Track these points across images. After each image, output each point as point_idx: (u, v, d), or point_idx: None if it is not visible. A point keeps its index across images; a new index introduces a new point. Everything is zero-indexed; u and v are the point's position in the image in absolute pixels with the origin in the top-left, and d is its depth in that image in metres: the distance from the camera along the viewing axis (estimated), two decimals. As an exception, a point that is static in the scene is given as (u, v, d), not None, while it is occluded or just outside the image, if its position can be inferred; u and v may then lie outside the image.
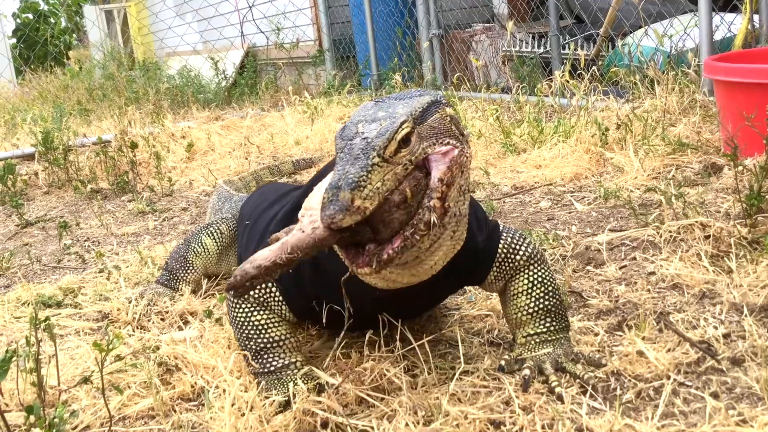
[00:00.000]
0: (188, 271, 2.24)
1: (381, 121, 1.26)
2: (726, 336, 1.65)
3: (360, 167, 1.19)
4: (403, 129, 1.24)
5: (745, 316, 1.71)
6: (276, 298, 1.56)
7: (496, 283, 1.62)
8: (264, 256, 1.22)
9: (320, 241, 1.20)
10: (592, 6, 5.38)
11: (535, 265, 1.60)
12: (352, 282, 1.42)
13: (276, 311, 1.57)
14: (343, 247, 1.25)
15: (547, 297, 1.59)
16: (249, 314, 1.56)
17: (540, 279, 1.59)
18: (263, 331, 1.56)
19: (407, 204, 1.23)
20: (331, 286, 1.47)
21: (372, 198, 1.18)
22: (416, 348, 1.59)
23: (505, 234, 1.60)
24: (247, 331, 1.57)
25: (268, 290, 1.55)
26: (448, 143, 1.30)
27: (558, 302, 1.61)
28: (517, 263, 1.59)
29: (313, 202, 1.31)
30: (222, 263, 2.24)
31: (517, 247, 1.59)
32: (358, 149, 1.22)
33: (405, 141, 1.24)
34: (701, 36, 3.84)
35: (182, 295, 2.21)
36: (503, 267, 1.59)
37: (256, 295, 1.55)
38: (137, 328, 2.09)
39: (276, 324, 1.57)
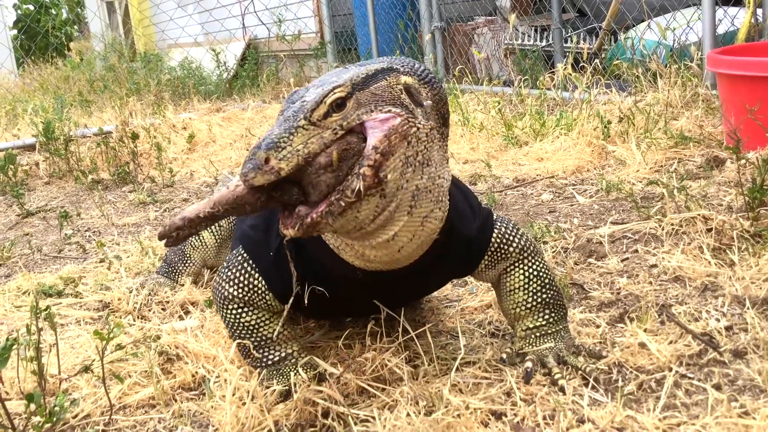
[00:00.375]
0: (187, 264, 2.23)
1: (325, 85, 1.25)
2: (728, 328, 1.64)
3: (284, 129, 1.20)
4: (334, 93, 1.22)
5: (748, 308, 1.71)
6: (260, 291, 1.52)
7: (486, 272, 1.59)
8: (191, 209, 1.25)
9: (239, 198, 1.21)
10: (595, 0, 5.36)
11: (530, 257, 1.58)
12: (335, 262, 1.41)
13: (263, 307, 1.53)
14: (280, 209, 1.25)
15: (544, 290, 1.58)
16: (238, 316, 1.53)
17: (535, 272, 1.57)
18: (255, 331, 1.54)
19: (336, 169, 1.22)
20: (312, 268, 1.46)
21: (288, 159, 1.17)
22: (417, 338, 1.59)
23: (499, 224, 1.57)
24: (239, 332, 1.55)
25: (251, 285, 1.51)
26: (389, 111, 1.26)
27: (555, 293, 1.60)
28: (509, 254, 1.57)
29: None
30: (221, 255, 2.22)
31: (511, 238, 1.56)
32: (291, 112, 1.22)
33: (339, 105, 1.22)
34: (704, 29, 3.83)
35: (182, 285, 2.21)
36: (495, 257, 1.56)
37: (240, 295, 1.52)
38: (138, 317, 2.08)
39: (266, 321, 1.54)
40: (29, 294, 2.31)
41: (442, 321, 1.86)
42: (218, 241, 2.19)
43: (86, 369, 1.60)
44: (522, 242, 1.57)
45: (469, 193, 1.60)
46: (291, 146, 1.18)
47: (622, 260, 2.15)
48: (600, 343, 1.66)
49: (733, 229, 2.12)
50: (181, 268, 2.23)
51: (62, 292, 2.34)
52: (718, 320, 1.68)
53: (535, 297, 1.57)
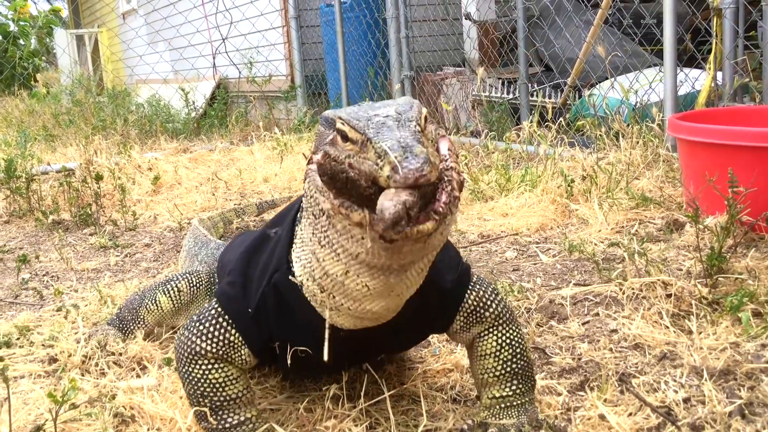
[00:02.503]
0: (138, 325, 2.17)
1: (390, 107, 1.21)
2: (686, 401, 1.66)
3: (409, 133, 1.13)
4: (423, 109, 1.23)
5: (705, 380, 1.73)
6: (236, 346, 1.49)
7: (461, 333, 1.58)
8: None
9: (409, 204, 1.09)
10: (561, 56, 5.50)
11: (504, 325, 1.57)
12: (313, 325, 1.40)
13: (236, 363, 1.51)
14: (373, 219, 1.13)
15: (514, 360, 1.57)
16: (207, 372, 1.50)
17: (508, 341, 1.57)
18: (221, 389, 1.51)
19: None
20: (296, 327, 1.45)
21: (433, 161, 1.10)
22: (378, 404, 1.58)
23: (479, 286, 1.56)
24: (202, 389, 1.51)
25: (226, 340, 1.49)
26: (440, 133, 1.27)
27: (526, 364, 1.59)
28: (485, 319, 1.56)
29: None
30: (180, 318, 2.15)
31: (488, 302, 1.56)
32: (390, 121, 1.15)
33: (425, 120, 1.22)
34: (666, 92, 3.94)
35: (134, 338, 2.16)
36: (471, 319, 1.55)
37: (213, 350, 1.49)
38: (87, 372, 2.04)
39: (234, 381, 1.52)
40: (-19, 344, 2.25)
41: (404, 385, 1.85)
42: (176, 306, 2.11)
43: (38, 429, 1.56)
44: (499, 308, 1.57)
45: (448, 244, 1.58)
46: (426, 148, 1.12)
47: (584, 323, 2.17)
48: (561, 413, 1.66)
49: (691, 296, 2.16)
50: (132, 327, 2.18)
51: (10, 342, 2.27)
52: (676, 392, 1.70)
53: (504, 365, 1.56)
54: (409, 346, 1.81)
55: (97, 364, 2.06)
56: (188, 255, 2.57)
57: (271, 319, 1.48)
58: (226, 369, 1.51)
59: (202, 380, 1.51)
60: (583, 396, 1.73)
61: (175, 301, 2.10)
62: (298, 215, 1.43)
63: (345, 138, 1.19)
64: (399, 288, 1.30)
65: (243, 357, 1.51)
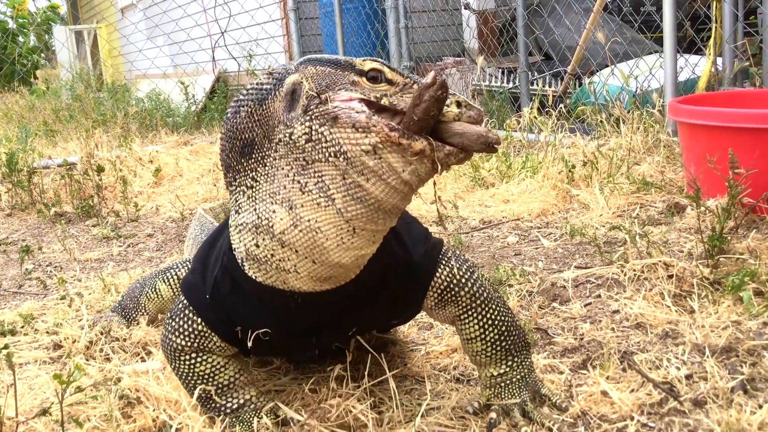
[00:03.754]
0: (139, 313, 2.18)
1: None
2: (688, 377, 1.67)
3: None
4: None
5: (707, 357, 1.74)
6: (205, 335, 1.49)
7: (436, 311, 1.54)
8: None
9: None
10: (560, 44, 5.49)
11: (483, 305, 1.52)
12: (271, 295, 1.38)
13: (215, 351, 1.51)
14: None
15: (502, 338, 1.54)
16: (192, 366, 1.51)
17: (491, 321, 1.53)
18: (211, 379, 1.52)
19: None
20: (250, 307, 1.44)
21: None
22: (382, 384, 1.59)
23: (453, 262, 1.51)
24: (193, 381, 1.52)
25: (196, 332, 1.49)
26: None
27: (516, 338, 1.56)
28: (460, 299, 1.51)
29: None
30: None
31: (463, 281, 1.51)
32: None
33: None
34: (666, 77, 3.94)
35: (138, 324, 2.18)
36: (445, 297, 1.51)
37: (189, 343, 1.49)
38: (92, 357, 2.05)
39: (222, 368, 1.52)
40: (-13, 332, 2.26)
41: (407, 365, 1.86)
42: (176, 293, 2.09)
43: (44, 412, 1.57)
44: (474, 288, 1.51)
45: (413, 220, 1.59)
46: None
47: (585, 305, 2.18)
48: (564, 390, 1.67)
49: (693, 276, 2.16)
50: (133, 315, 2.19)
51: (15, 330, 2.28)
52: (678, 368, 1.71)
53: (494, 346, 1.54)
54: (385, 323, 1.72)
55: (101, 350, 2.07)
56: (194, 242, 2.57)
57: (226, 302, 1.46)
58: (209, 359, 1.52)
59: (190, 373, 1.52)
60: (585, 374, 1.74)
61: (174, 289, 2.10)
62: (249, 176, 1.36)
63: (376, 80, 1.25)
64: (378, 236, 1.31)
65: (217, 344, 1.50)
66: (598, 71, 4.90)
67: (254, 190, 1.31)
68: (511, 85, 5.55)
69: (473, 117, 1.23)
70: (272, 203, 1.28)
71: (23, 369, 2.00)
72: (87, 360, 2.03)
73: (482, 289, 1.53)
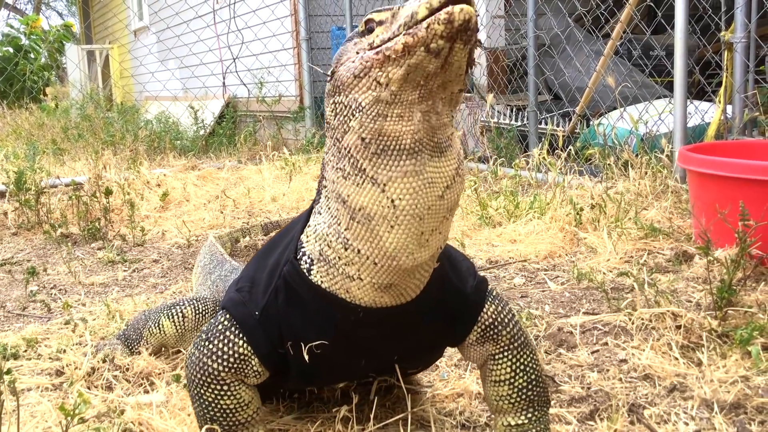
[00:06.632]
0: (142, 345, 2.17)
1: None
2: (697, 433, 1.66)
3: None
4: None
5: (716, 413, 1.72)
6: (245, 358, 1.44)
7: (475, 347, 1.54)
8: None
9: None
10: (570, 85, 5.53)
11: (519, 348, 1.53)
12: (327, 313, 1.36)
13: (250, 379, 1.46)
14: None
15: (530, 387, 1.54)
16: (218, 397, 1.46)
17: (523, 366, 1.53)
18: (231, 415, 1.48)
19: None
20: (308, 318, 1.41)
21: None
22: (387, 427, 1.57)
23: (498, 301, 1.53)
24: (212, 414, 1.48)
25: (236, 354, 1.44)
26: None
27: (541, 390, 1.56)
28: (501, 338, 1.52)
29: None
30: (184, 343, 2.12)
31: (506, 321, 1.52)
32: None
33: None
34: (675, 123, 3.96)
35: (139, 353, 2.16)
36: (487, 333, 1.52)
37: (226, 369, 1.44)
38: (92, 385, 2.03)
39: (245, 406, 1.48)
40: (-11, 355, 2.25)
41: (413, 408, 1.84)
42: (180, 332, 2.08)
43: (46, 443, 1.55)
44: (515, 330, 1.53)
45: (463, 257, 1.58)
46: None
47: (593, 352, 2.17)
48: (571, 442, 1.66)
49: (701, 328, 2.15)
50: (136, 348, 2.18)
51: (21, 354, 2.27)
52: (686, 424, 1.69)
53: (520, 393, 1.53)
54: (426, 356, 1.69)
55: (103, 377, 2.06)
56: (203, 272, 2.57)
57: (281, 316, 1.43)
58: (237, 394, 1.47)
59: (213, 405, 1.47)
60: (593, 425, 1.73)
61: (178, 327, 2.08)
62: (314, 205, 1.40)
63: (372, 31, 1.24)
64: (427, 233, 1.26)
65: (254, 368, 1.45)
66: (606, 113, 4.93)
67: (326, 188, 1.34)
68: (519, 123, 5.58)
69: None
70: (335, 200, 1.29)
71: (25, 395, 1.99)
72: (89, 388, 2.02)
73: (521, 332, 1.55)
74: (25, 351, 2.30)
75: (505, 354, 1.53)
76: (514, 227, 3.53)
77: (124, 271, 3.30)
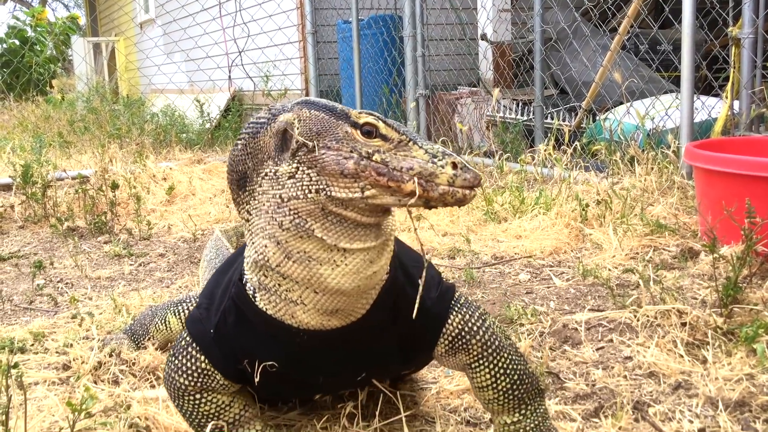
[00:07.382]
0: (147, 341, 2.18)
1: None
2: (701, 431, 1.66)
3: (439, 145, 1.27)
4: None
5: (720, 411, 1.72)
6: (209, 373, 1.45)
7: (447, 358, 1.51)
8: None
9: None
10: (576, 80, 5.51)
11: (495, 354, 1.49)
12: (278, 329, 1.35)
13: (219, 390, 1.48)
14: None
15: (515, 387, 1.51)
16: (196, 405, 1.48)
17: (503, 370, 1.50)
18: (215, 418, 1.49)
19: None
20: (258, 341, 1.41)
21: None
22: (393, 424, 1.58)
23: (465, 309, 1.49)
24: (198, 420, 1.49)
25: (199, 370, 1.45)
26: None
27: (528, 386, 1.53)
28: (471, 347, 1.49)
29: None
30: None
31: (475, 329, 1.48)
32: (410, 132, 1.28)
33: None
34: (682, 119, 3.94)
35: (145, 348, 2.17)
36: (455, 345, 1.49)
37: (192, 383, 1.46)
38: (99, 379, 2.04)
39: (227, 407, 1.49)
40: (-3, 349, 2.27)
41: (418, 404, 1.85)
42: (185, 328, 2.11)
43: (54, 437, 1.57)
44: (486, 336, 1.48)
45: (428, 265, 1.54)
46: None
47: (598, 349, 2.17)
48: (575, 439, 1.66)
49: (707, 325, 2.15)
50: (142, 343, 2.19)
51: (28, 348, 2.29)
52: (691, 422, 1.69)
53: (507, 395, 1.51)
54: (397, 370, 1.70)
55: (109, 371, 2.07)
56: (209, 266, 2.58)
57: (231, 336, 1.44)
58: (213, 399, 1.49)
59: (195, 412, 1.49)
60: (597, 423, 1.73)
61: (184, 323, 2.09)
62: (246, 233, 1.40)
63: (371, 134, 1.24)
64: (373, 254, 1.29)
65: (220, 382, 1.47)
66: (613, 108, 4.91)
67: (250, 223, 1.32)
68: (525, 117, 5.57)
69: (469, 180, 1.21)
70: (263, 237, 1.29)
71: (32, 389, 2.00)
72: (95, 382, 2.03)
73: (494, 337, 1.50)
74: (32, 345, 2.31)
75: (481, 362, 1.50)
76: (519, 223, 3.53)
77: (131, 265, 3.32)
